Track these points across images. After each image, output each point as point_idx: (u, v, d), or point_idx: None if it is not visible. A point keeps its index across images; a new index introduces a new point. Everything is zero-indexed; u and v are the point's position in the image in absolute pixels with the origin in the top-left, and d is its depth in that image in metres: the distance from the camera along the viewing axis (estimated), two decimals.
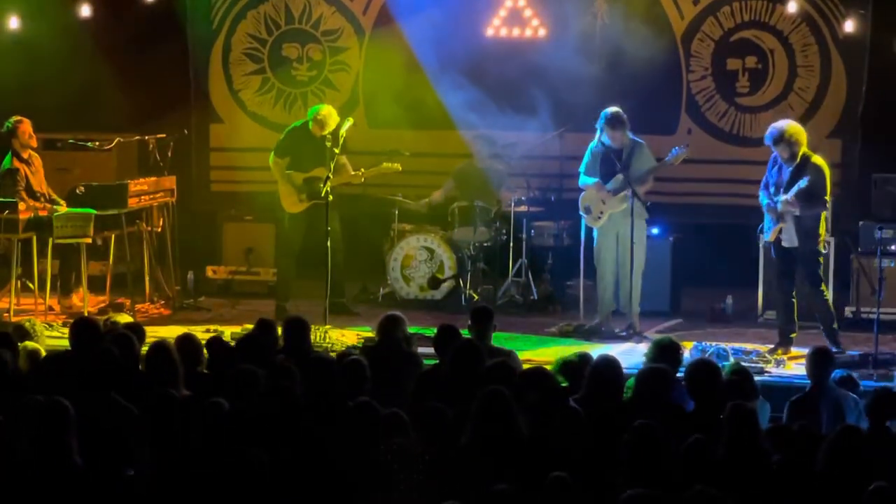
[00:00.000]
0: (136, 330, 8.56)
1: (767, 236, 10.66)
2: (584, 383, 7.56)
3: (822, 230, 10.56)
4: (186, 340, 8.24)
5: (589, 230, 11.53)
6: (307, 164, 11.88)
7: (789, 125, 10.51)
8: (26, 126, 11.88)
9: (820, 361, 8.10)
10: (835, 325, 10.64)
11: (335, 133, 11.59)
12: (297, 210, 11.99)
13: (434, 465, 6.50)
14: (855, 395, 8.05)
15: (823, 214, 10.59)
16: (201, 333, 10.47)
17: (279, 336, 8.54)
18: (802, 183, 10.31)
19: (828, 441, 6.36)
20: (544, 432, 6.75)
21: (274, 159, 12.07)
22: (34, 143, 11.97)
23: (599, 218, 11.38)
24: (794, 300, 10.68)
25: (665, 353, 8.06)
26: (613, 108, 11.24)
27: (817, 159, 10.49)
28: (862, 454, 6.24)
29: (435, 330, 8.72)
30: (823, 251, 10.76)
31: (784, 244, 10.54)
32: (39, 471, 6.26)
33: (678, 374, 8.03)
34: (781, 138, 10.42)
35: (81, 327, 8.35)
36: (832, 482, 6.17)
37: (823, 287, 10.65)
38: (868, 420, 7.23)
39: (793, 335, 10.64)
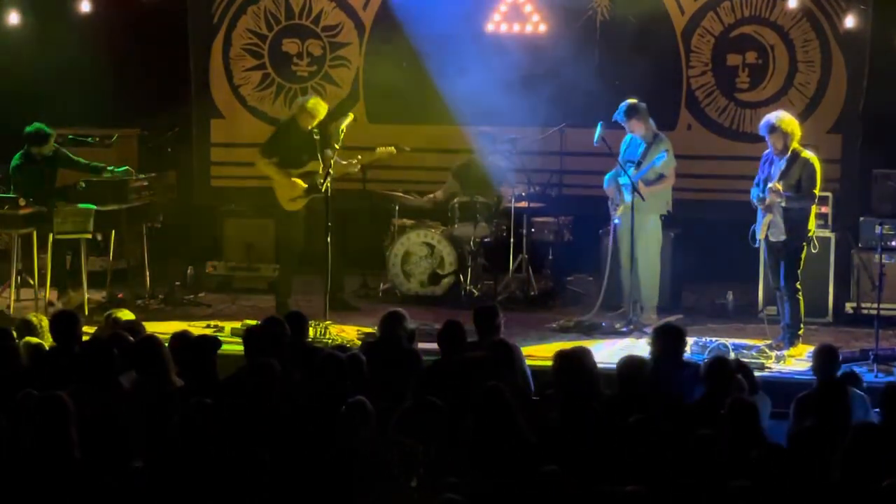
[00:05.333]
0: (134, 328, 8.61)
1: (758, 233, 10.63)
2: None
3: (811, 225, 10.55)
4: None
5: (615, 224, 11.62)
6: (300, 160, 11.81)
7: (784, 116, 10.54)
8: (51, 142, 11.88)
9: (826, 358, 8.09)
10: (799, 331, 10.56)
11: (324, 123, 11.60)
12: (296, 208, 11.91)
13: (432, 459, 6.51)
14: (861, 392, 8.04)
15: (813, 209, 10.58)
16: (201, 329, 10.54)
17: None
18: (783, 166, 10.30)
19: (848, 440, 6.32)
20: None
21: (261, 160, 11.97)
22: (50, 155, 11.96)
23: (616, 209, 11.47)
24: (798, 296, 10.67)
25: (665, 336, 8.08)
26: (629, 100, 11.38)
27: (808, 154, 10.50)
28: (877, 452, 6.22)
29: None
30: (814, 250, 10.72)
31: (771, 238, 10.53)
32: (40, 465, 6.27)
33: (684, 359, 8.09)
34: (776, 128, 10.44)
35: (61, 321, 8.36)
36: (846, 480, 6.16)
37: (798, 286, 10.54)
38: (882, 415, 7.23)
39: (800, 332, 10.62)
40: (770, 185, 10.35)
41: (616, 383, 7.60)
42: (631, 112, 11.35)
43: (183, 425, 6.53)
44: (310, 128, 11.68)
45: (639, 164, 11.32)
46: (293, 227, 11.99)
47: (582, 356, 7.73)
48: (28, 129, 11.84)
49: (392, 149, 12.17)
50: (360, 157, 12.07)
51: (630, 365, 7.67)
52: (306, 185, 11.78)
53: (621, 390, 7.53)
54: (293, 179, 11.84)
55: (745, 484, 6.13)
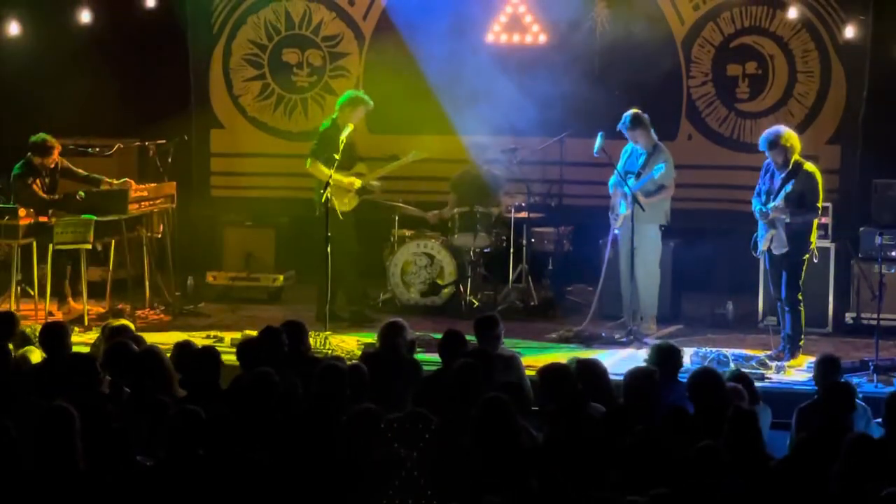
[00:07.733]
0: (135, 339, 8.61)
1: (761, 245, 10.63)
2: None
3: (812, 238, 10.55)
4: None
5: (615, 234, 11.65)
6: (344, 161, 11.72)
7: (784, 131, 10.55)
8: (56, 154, 11.89)
9: (827, 369, 8.09)
10: (800, 342, 10.58)
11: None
12: (348, 208, 11.86)
13: (431, 470, 6.50)
14: (863, 403, 8.03)
15: (815, 222, 10.58)
16: (201, 339, 10.53)
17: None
18: (788, 187, 10.32)
19: (845, 449, 6.31)
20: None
21: (311, 162, 11.94)
22: (52, 166, 11.98)
23: (616, 220, 11.49)
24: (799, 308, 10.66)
25: (664, 356, 8.06)
26: (631, 110, 11.40)
27: (809, 166, 10.51)
28: (876, 462, 6.22)
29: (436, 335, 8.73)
30: (815, 261, 10.74)
31: (774, 251, 10.53)
32: (44, 475, 6.26)
33: (680, 379, 8.05)
34: (776, 143, 10.44)
35: (49, 333, 8.35)
36: (843, 492, 6.15)
37: (800, 297, 10.54)
38: (886, 426, 7.21)
39: (800, 342, 10.62)
40: (772, 205, 10.35)
41: (623, 393, 7.58)
42: (635, 122, 11.40)
43: (170, 433, 6.54)
44: (354, 121, 11.75)
45: (638, 175, 11.35)
46: (346, 230, 11.89)
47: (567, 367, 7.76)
48: (33, 138, 11.85)
49: (419, 153, 12.28)
50: (379, 178, 12.22)
51: (637, 376, 7.64)
52: (360, 184, 11.83)
53: (627, 401, 7.51)
54: (349, 178, 11.82)
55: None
